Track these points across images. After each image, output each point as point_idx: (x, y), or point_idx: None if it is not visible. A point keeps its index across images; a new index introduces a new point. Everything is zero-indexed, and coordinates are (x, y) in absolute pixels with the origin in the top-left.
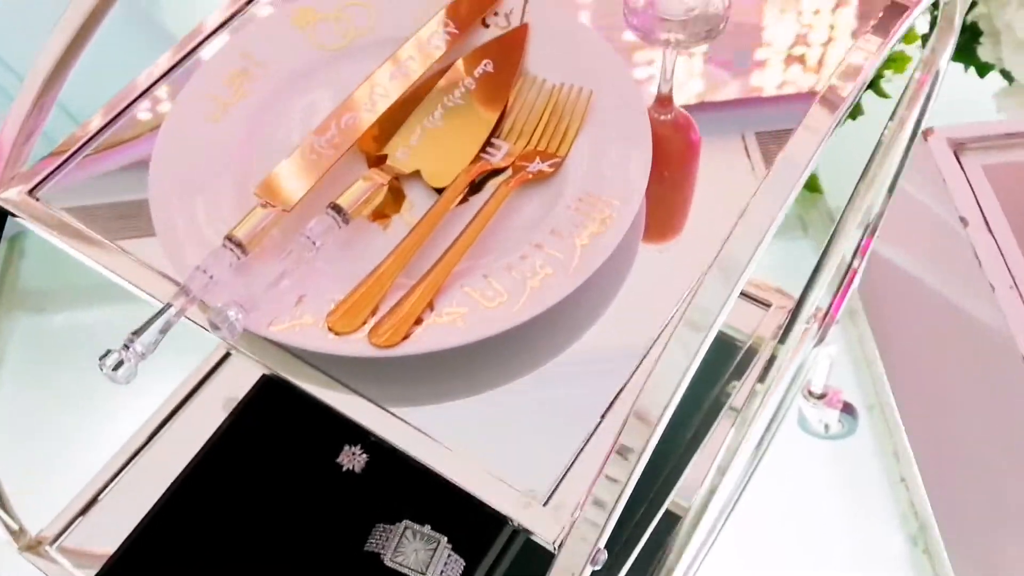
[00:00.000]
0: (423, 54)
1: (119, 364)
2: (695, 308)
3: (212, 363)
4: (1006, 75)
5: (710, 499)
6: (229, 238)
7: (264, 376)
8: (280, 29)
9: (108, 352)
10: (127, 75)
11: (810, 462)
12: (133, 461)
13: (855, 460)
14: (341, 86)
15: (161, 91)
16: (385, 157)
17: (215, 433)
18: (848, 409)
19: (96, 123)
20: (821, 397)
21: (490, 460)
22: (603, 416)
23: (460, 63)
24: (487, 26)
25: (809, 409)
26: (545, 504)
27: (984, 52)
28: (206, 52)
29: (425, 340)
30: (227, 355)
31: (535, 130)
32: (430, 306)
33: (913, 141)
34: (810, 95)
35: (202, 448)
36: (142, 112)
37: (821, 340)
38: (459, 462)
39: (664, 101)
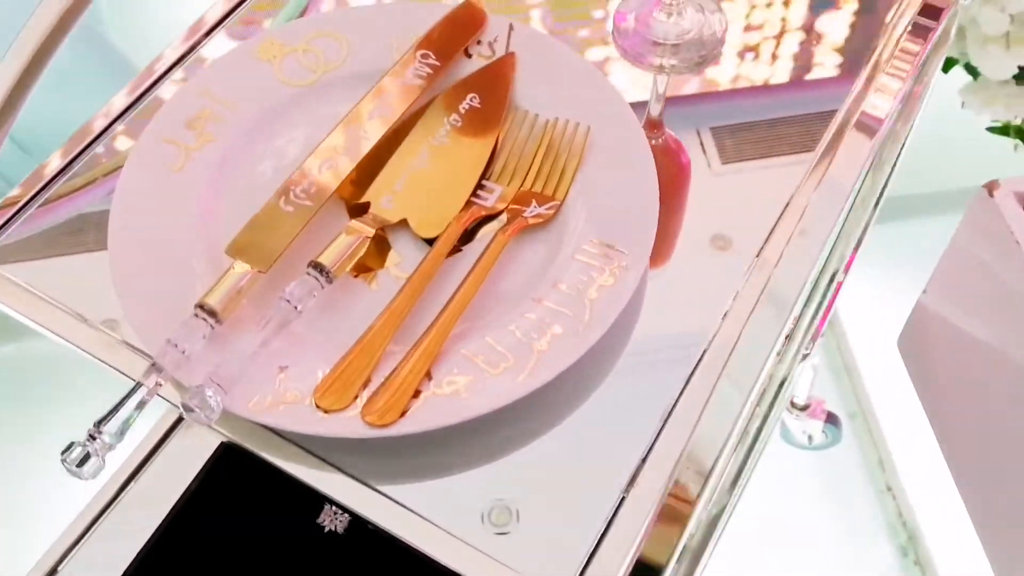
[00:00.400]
0: (403, 89)
1: (85, 458)
2: (746, 346)
3: None
4: (971, 70)
5: (712, 532)
6: (201, 306)
7: None
8: (244, 65)
9: (71, 445)
10: (75, 95)
11: (795, 474)
12: (97, 523)
13: (840, 470)
14: (315, 126)
15: (118, 131)
16: (367, 205)
17: (186, 490)
18: (832, 419)
19: (50, 169)
20: (804, 408)
21: (498, 547)
22: (627, 488)
23: (443, 98)
24: (470, 56)
25: (792, 421)
26: None
27: (948, 47)
28: (165, 90)
29: (425, 416)
30: None
31: (529, 170)
32: (427, 375)
33: (902, 152)
34: (764, 88)
35: (173, 507)
36: (99, 155)
37: (807, 354)
38: (464, 551)
39: (654, 125)
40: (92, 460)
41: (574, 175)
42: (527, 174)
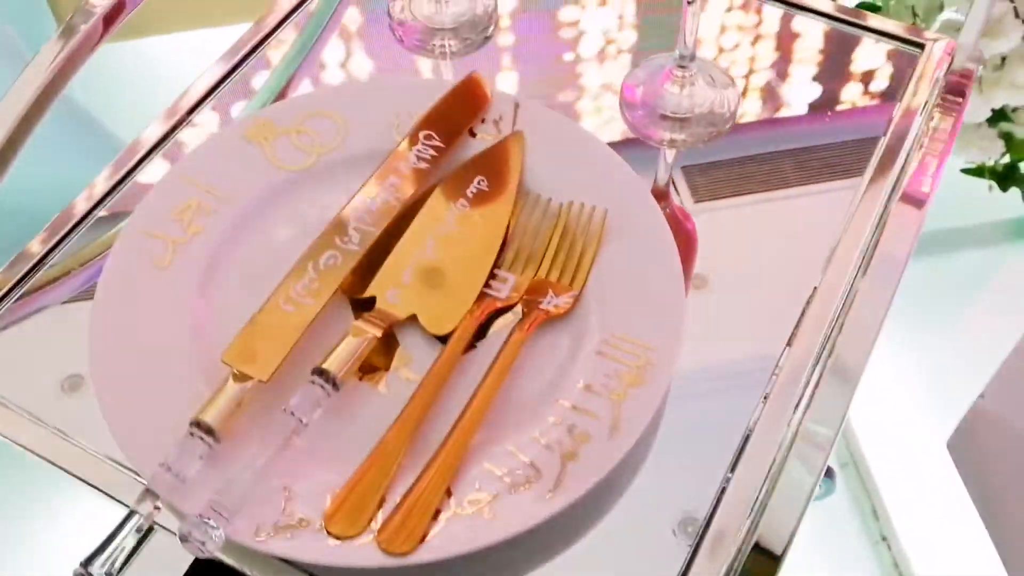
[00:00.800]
0: (406, 173)
1: None
2: (815, 422)
3: None
4: None
5: None
6: (197, 424)
7: None
8: (232, 149)
9: None
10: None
11: None
12: None
13: (833, 521)
14: (313, 214)
15: (101, 217)
16: (373, 300)
17: None
18: (827, 472)
19: (30, 255)
20: None
21: None
22: None
23: (449, 181)
24: (474, 136)
25: None
26: None
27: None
28: (148, 173)
29: (447, 541)
30: None
31: (543, 258)
32: (447, 492)
33: None
34: (734, 127)
35: None
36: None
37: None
38: None
39: (661, 196)
40: None
41: (592, 262)
42: (541, 262)
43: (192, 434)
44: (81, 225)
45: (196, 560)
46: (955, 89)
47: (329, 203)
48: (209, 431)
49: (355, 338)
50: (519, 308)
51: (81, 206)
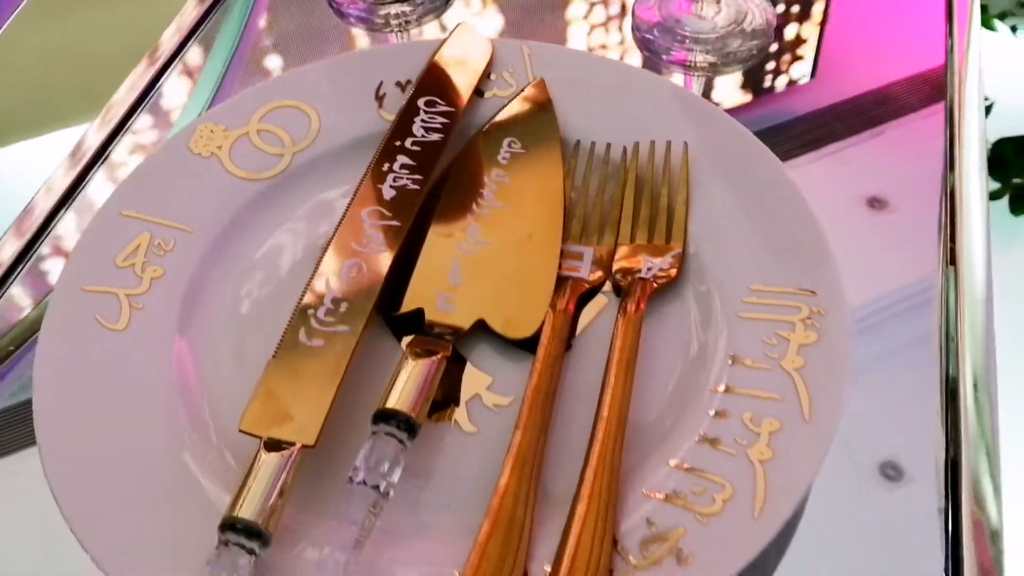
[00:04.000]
0: (417, 150)
1: None
2: None
3: None
4: None
5: None
6: (231, 525)
7: None
8: (181, 168)
9: None
10: None
11: None
12: None
13: None
14: (304, 229)
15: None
16: (418, 316)
17: None
18: None
19: None
20: None
21: None
22: None
23: (473, 152)
24: (482, 95)
25: None
26: None
27: None
28: (66, 225)
29: None
30: None
31: (621, 217)
32: (613, 543)
33: None
34: None
35: None
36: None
37: None
38: None
39: None
40: None
41: (687, 208)
42: (619, 223)
43: (227, 543)
44: None
45: None
46: None
47: (321, 209)
48: (252, 532)
49: (416, 361)
50: (607, 286)
51: None
